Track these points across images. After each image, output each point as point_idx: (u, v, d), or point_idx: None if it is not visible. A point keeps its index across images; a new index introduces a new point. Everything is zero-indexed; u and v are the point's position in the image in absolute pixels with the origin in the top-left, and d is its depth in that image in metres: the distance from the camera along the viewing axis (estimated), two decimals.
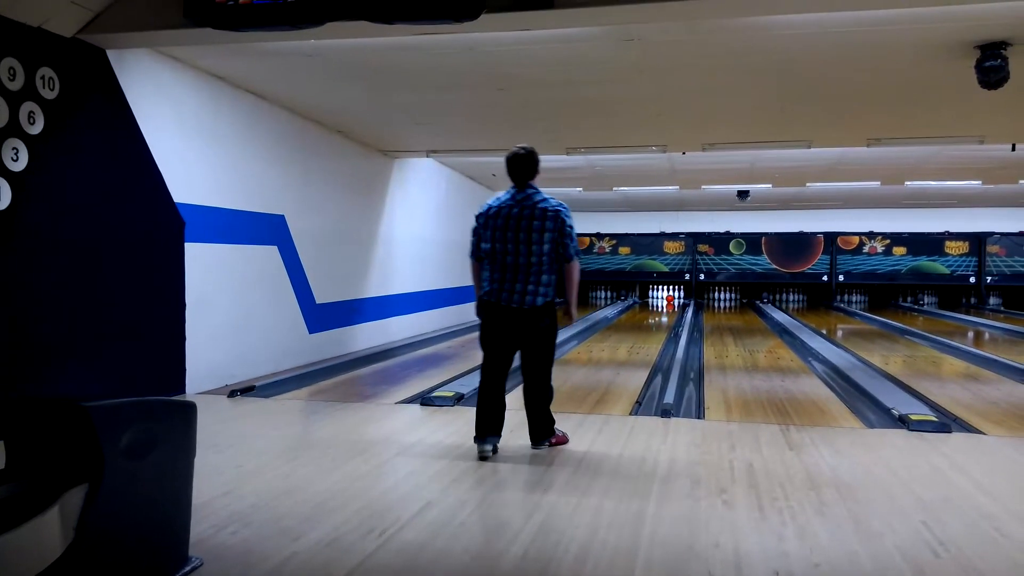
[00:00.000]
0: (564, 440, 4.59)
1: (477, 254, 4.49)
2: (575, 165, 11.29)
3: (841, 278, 19.12)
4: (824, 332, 12.42)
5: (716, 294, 20.37)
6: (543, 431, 4.51)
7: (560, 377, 7.81)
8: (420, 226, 11.37)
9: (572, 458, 4.30)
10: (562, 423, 5.05)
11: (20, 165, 4.51)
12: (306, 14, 4.30)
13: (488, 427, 4.34)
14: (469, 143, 9.67)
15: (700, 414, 5.69)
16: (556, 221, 4.28)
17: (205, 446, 2.75)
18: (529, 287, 4.25)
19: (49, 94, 4.70)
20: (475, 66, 5.91)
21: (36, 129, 4.61)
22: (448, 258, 12.29)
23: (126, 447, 2.33)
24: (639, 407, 5.92)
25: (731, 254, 19.67)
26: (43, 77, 4.65)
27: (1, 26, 4.36)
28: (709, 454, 4.41)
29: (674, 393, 6.31)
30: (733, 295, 20.29)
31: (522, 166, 4.46)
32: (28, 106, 4.55)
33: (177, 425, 2.61)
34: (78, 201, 4.97)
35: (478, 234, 4.47)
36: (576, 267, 4.37)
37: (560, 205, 4.35)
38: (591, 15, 4.35)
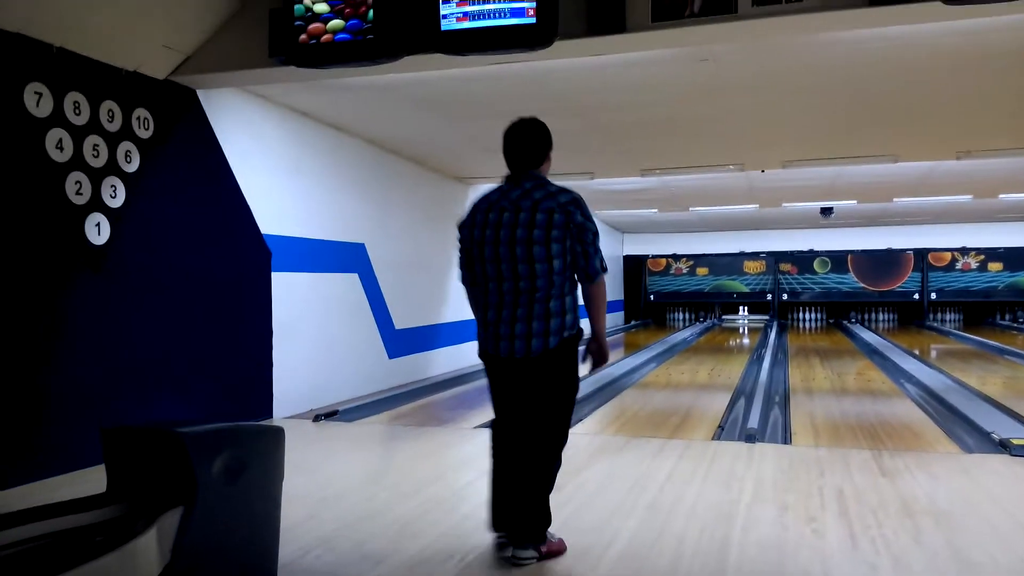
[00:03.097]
0: (560, 549, 3.15)
1: (466, 278, 3.23)
2: (650, 186, 11.21)
3: (933, 296, 18.33)
4: (916, 352, 11.90)
5: (801, 314, 19.80)
6: (532, 529, 3.03)
7: (639, 401, 7.72)
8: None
9: (654, 482, 4.23)
10: (641, 448, 4.99)
11: (118, 202, 4.77)
12: (383, 49, 4.43)
13: (505, 513, 3.09)
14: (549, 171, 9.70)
15: (787, 439, 5.52)
16: (566, 221, 2.92)
17: (291, 470, 2.83)
18: (534, 325, 2.90)
19: (144, 134, 4.97)
20: (546, 92, 5.96)
21: (132, 167, 4.87)
22: None
23: (218, 471, 2.41)
24: (722, 432, 5.78)
25: (816, 273, 19.13)
26: (138, 118, 4.92)
27: (100, 71, 4.64)
28: (797, 480, 4.27)
29: (758, 417, 6.15)
30: (819, 315, 19.68)
31: (520, 144, 3.10)
32: (125, 145, 4.82)
33: (266, 450, 2.69)
34: (171, 234, 5.21)
35: (463, 251, 3.20)
36: (602, 288, 3.00)
37: (571, 196, 2.98)
38: (664, 37, 4.33)
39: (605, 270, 3.04)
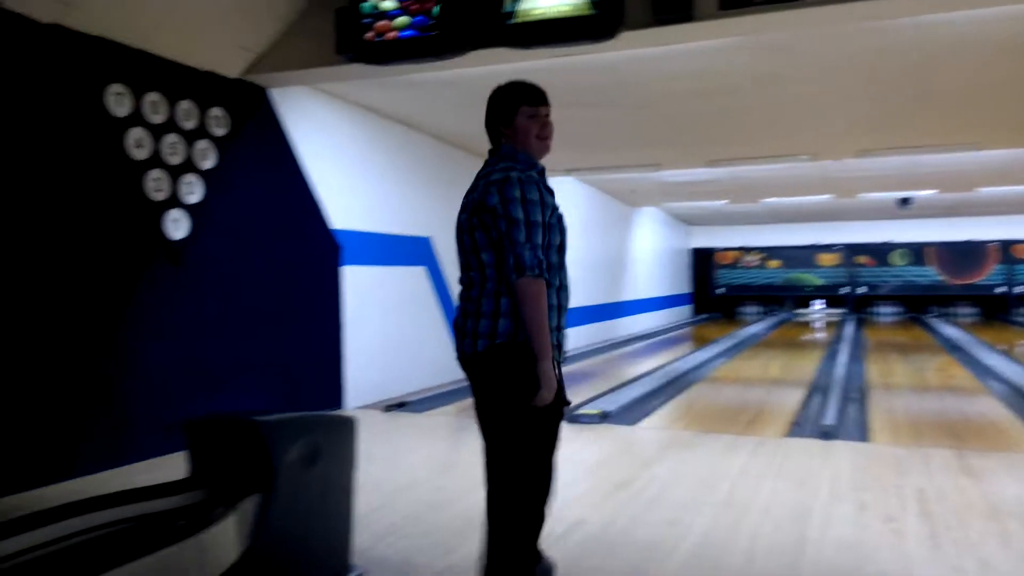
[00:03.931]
0: None
1: None
2: (718, 177, 11.00)
3: (1019, 289, 17.51)
4: (1002, 348, 11.39)
5: (878, 308, 19.16)
6: None
7: (708, 396, 7.60)
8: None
9: (725, 478, 4.15)
10: (712, 444, 4.91)
11: (196, 198, 4.92)
12: (449, 45, 4.45)
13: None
14: (608, 160, 9.64)
15: (864, 436, 5.35)
16: (490, 202, 2.40)
17: (363, 459, 2.87)
18: (468, 323, 2.48)
19: (219, 131, 5.11)
20: (612, 83, 5.90)
21: (208, 164, 5.02)
22: (589, 275, 12.27)
23: (294, 459, 2.47)
24: (796, 428, 5.64)
25: (893, 265, 18.49)
26: (214, 116, 5.06)
27: (177, 71, 4.79)
28: (875, 479, 4.13)
29: (835, 414, 5.97)
30: (897, 309, 19.02)
31: (488, 115, 2.65)
32: (201, 143, 4.97)
33: (339, 439, 2.73)
34: (245, 229, 5.35)
35: None
36: (530, 290, 2.31)
37: (501, 175, 2.42)
38: (732, 25, 4.23)
39: (538, 267, 2.30)
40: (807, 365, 9.61)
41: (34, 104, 4.00)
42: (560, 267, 2.50)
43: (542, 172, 2.55)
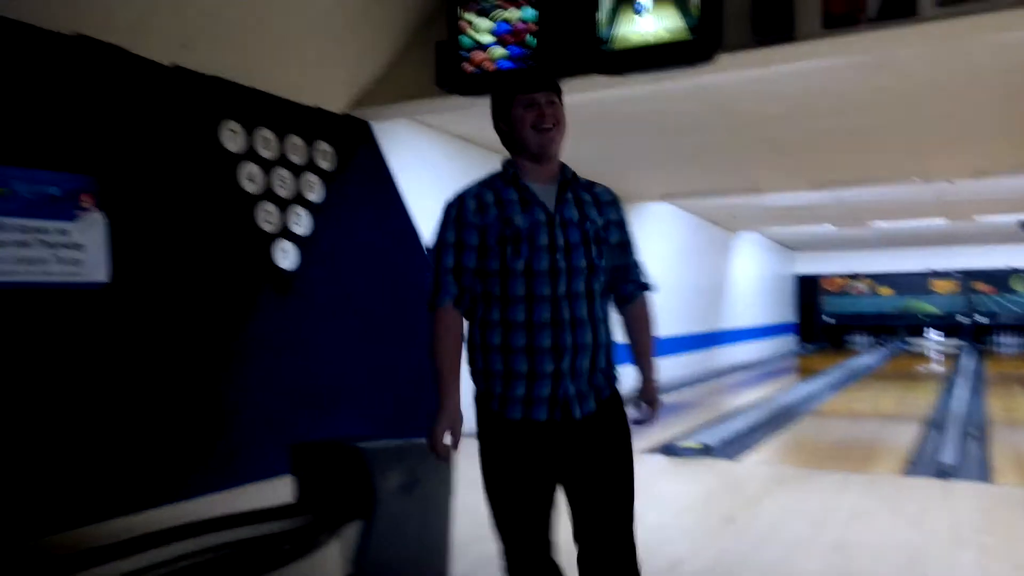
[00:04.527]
0: None
1: None
2: (823, 201, 10.62)
3: None
4: None
5: (999, 338, 17.98)
6: None
7: (817, 431, 7.29)
8: (659, 271, 11.25)
9: (836, 519, 3.95)
10: (821, 481, 4.70)
11: (304, 229, 5.11)
12: (545, 75, 4.48)
13: None
14: (707, 185, 9.47)
15: (986, 476, 5.00)
16: None
17: (461, 485, 2.87)
18: None
19: (326, 165, 5.30)
20: (709, 107, 5.80)
21: (315, 197, 5.21)
22: (689, 303, 12.03)
23: (395, 486, 2.50)
24: (912, 466, 5.32)
25: (1015, 292, 17.35)
26: (321, 150, 5.26)
27: (286, 108, 5.01)
28: (1000, 522, 3.85)
29: (954, 452, 5.61)
30: (1020, 339, 17.80)
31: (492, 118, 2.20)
32: (309, 177, 5.17)
33: (438, 465, 2.75)
34: (350, 259, 5.52)
35: None
36: (434, 325, 2.06)
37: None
38: (837, 45, 4.09)
39: (432, 298, 2.03)
40: (922, 399, 9.09)
41: (157, 140, 4.25)
42: (515, 296, 1.96)
43: (513, 176, 2.05)
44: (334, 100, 5.28)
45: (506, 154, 2.11)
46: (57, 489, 3.68)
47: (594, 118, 6.11)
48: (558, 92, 2.08)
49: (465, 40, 4.64)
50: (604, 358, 2.07)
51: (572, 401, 2.01)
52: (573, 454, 2.04)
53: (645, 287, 2.23)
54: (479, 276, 2.01)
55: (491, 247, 1.98)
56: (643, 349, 2.24)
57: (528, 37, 4.46)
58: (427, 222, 6.30)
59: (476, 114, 5.83)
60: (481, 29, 4.59)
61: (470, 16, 4.62)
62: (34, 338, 3.65)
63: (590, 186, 2.16)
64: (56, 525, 3.62)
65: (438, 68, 4.83)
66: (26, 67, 3.65)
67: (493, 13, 4.52)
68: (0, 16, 3.50)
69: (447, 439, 2.02)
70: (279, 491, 2.73)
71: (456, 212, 2.03)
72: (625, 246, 2.17)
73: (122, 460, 3.99)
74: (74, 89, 3.84)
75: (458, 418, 2.04)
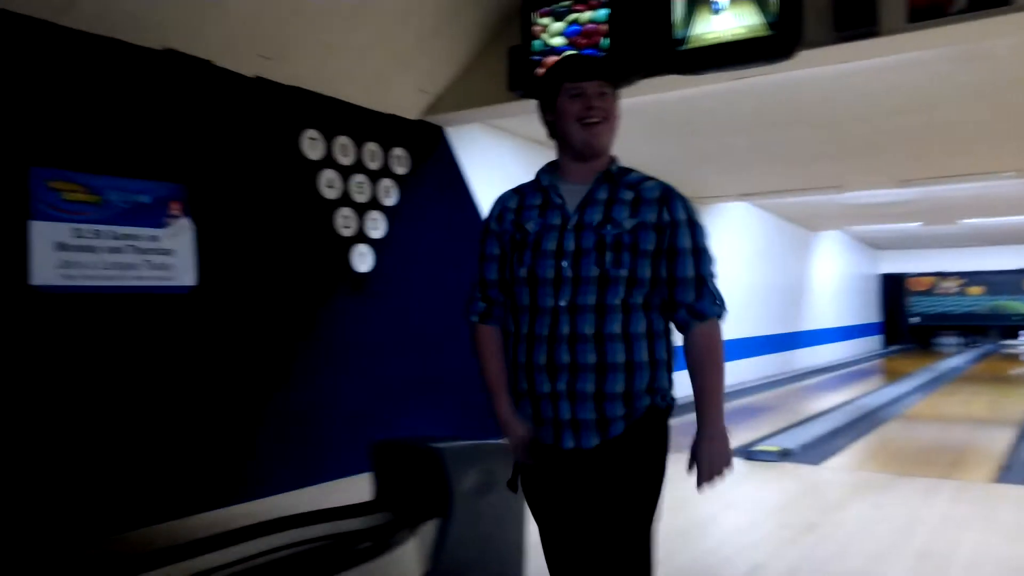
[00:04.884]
0: None
1: None
2: (910, 198, 10.23)
3: None
4: None
5: None
6: None
7: (903, 435, 7.03)
8: (737, 271, 11.06)
9: (924, 527, 3.80)
10: (908, 487, 4.54)
11: (380, 233, 5.21)
12: (618, 75, 4.45)
13: None
14: (785, 183, 9.24)
15: None
16: None
17: None
18: None
19: (401, 170, 5.40)
20: (789, 104, 5.67)
21: (391, 201, 5.31)
22: (768, 303, 11.77)
23: (470, 486, 2.53)
24: (1006, 473, 5.08)
25: None
26: (396, 156, 5.36)
27: (364, 116, 5.12)
28: None
29: None
30: None
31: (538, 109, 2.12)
32: (385, 182, 5.27)
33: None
34: (424, 261, 5.60)
35: None
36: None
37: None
38: (923, 39, 3.93)
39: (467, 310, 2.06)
40: (1017, 403, 8.65)
41: (241, 149, 4.41)
42: (522, 306, 1.80)
43: (537, 179, 1.90)
44: (409, 107, 5.38)
45: None
46: (146, 484, 3.86)
47: (668, 117, 6.05)
48: (614, 82, 1.83)
49: (537, 44, 4.65)
50: (624, 382, 1.73)
51: (564, 428, 1.75)
52: (563, 495, 1.78)
53: (700, 315, 1.78)
54: (503, 287, 1.86)
55: (508, 255, 1.84)
56: (698, 394, 1.80)
57: (601, 39, 4.44)
58: None
59: None
60: (553, 32, 4.60)
61: (544, 20, 4.63)
62: (127, 340, 3.83)
63: (639, 183, 1.82)
64: (142, 519, 3.79)
65: (510, 73, 4.86)
66: (119, 81, 3.84)
67: (566, 16, 4.52)
68: (94, 34, 3.69)
69: (520, 450, 1.86)
70: (358, 488, 2.80)
71: (485, 222, 1.93)
72: (674, 256, 1.76)
73: (208, 457, 4.15)
74: (163, 101, 4.02)
75: (516, 427, 1.85)
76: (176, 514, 3.91)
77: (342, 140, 4.97)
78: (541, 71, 4.65)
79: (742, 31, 4.06)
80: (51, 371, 3.53)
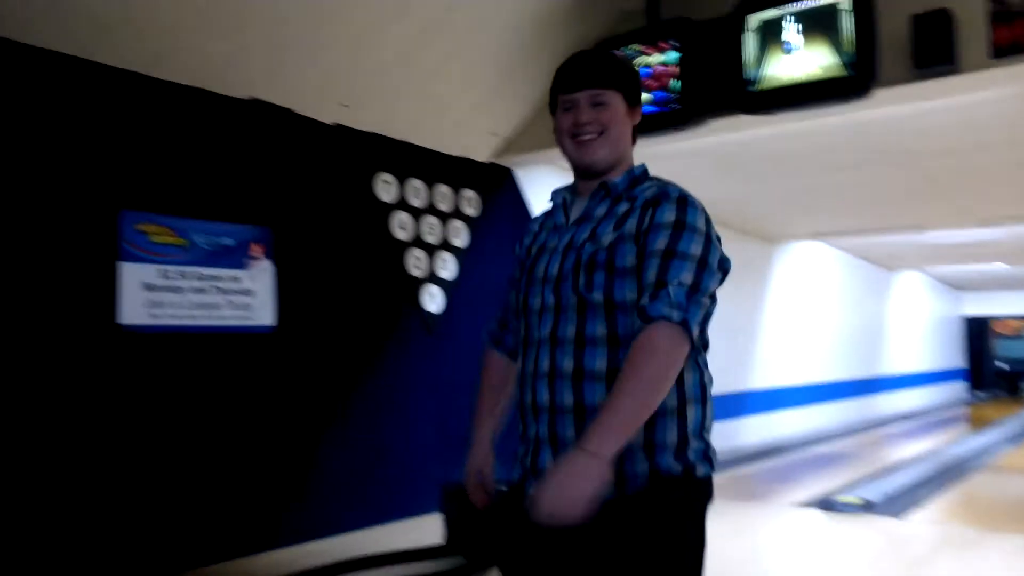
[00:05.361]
0: None
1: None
2: (994, 238, 9.85)
3: None
4: None
5: None
6: None
7: (991, 487, 6.66)
8: (810, 313, 10.77)
9: None
10: (999, 545, 4.29)
11: (450, 274, 5.28)
12: (689, 117, 4.45)
13: None
14: (862, 223, 9.01)
15: None
16: None
17: None
18: None
19: (471, 212, 5.48)
20: (864, 142, 5.55)
21: (461, 243, 5.38)
22: (843, 347, 11.40)
23: None
24: None
25: None
26: (466, 198, 5.45)
27: (435, 159, 5.23)
28: None
29: None
30: None
31: None
32: (455, 223, 5.35)
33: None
34: (493, 302, 5.63)
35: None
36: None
37: None
38: (1007, 76, 3.79)
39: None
40: None
41: (318, 193, 4.55)
42: (520, 339, 1.66)
43: (559, 200, 1.71)
44: (480, 150, 5.47)
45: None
46: (220, 520, 3.93)
47: (739, 157, 6.00)
48: (614, 86, 1.60)
49: None
50: None
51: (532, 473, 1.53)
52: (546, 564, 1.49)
53: (645, 316, 1.41)
54: (519, 316, 1.69)
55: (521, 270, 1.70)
56: (608, 400, 1.39)
57: (671, 81, 4.45)
58: None
59: None
60: None
61: None
62: (208, 378, 3.95)
63: (641, 190, 1.60)
64: (217, 555, 3.86)
65: None
66: (206, 129, 4.02)
67: (636, 60, 4.55)
68: (183, 85, 3.88)
69: (476, 486, 1.74)
70: (427, 529, 2.79)
71: (520, 244, 1.80)
72: (653, 258, 1.46)
73: (279, 494, 4.21)
74: (247, 148, 4.19)
75: (483, 462, 1.75)
76: (247, 551, 3.97)
77: (414, 183, 5.07)
78: None
79: (817, 71, 4.00)
80: (135, 407, 3.65)
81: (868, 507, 5.27)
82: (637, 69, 4.55)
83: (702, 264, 1.47)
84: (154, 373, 3.72)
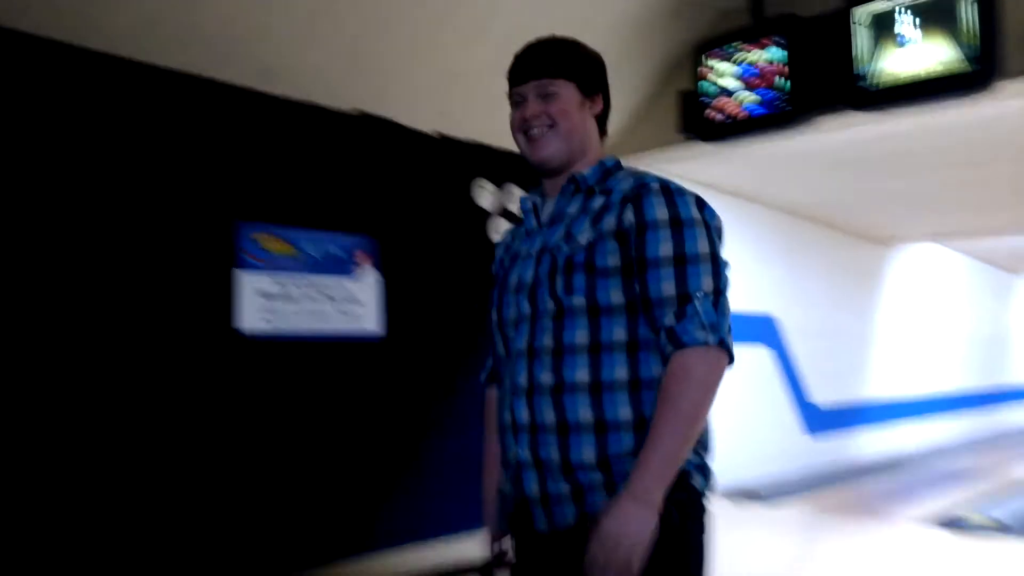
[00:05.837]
0: None
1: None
2: None
3: None
4: None
5: None
6: None
7: None
8: (928, 319, 10.21)
9: None
10: None
11: None
12: (797, 116, 4.30)
13: None
14: (983, 224, 8.49)
15: None
16: None
17: None
18: None
19: None
20: (985, 139, 5.22)
21: None
22: (965, 354, 10.76)
23: None
24: None
25: None
26: None
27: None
28: None
29: None
30: None
31: None
32: None
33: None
34: None
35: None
36: None
37: None
38: None
39: None
40: None
41: (421, 201, 4.63)
42: (501, 355, 1.58)
43: (528, 205, 1.62)
44: None
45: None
46: (320, 525, 4.04)
47: (849, 156, 5.76)
48: (563, 75, 1.49)
49: (708, 87, 4.59)
50: (597, 449, 1.33)
51: (534, 506, 1.39)
52: None
53: (677, 342, 1.31)
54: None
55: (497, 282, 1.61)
56: (648, 439, 1.29)
57: (778, 79, 4.31)
58: None
59: (718, 159, 5.74)
60: (725, 74, 4.52)
61: (712, 62, 4.56)
62: (318, 384, 4.07)
63: (615, 182, 1.49)
64: (324, 557, 3.95)
65: (682, 117, 4.82)
66: (315, 142, 4.16)
67: (736, 56, 4.44)
68: (292, 100, 4.03)
69: (492, 542, 1.61)
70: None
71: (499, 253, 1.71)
72: (644, 269, 1.34)
73: (383, 499, 4.29)
74: (353, 159, 4.32)
75: (488, 511, 1.65)
76: (350, 554, 4.04)
77: (512, 189, 5.10)
78: (714, 115, 4.57)
79: (936, 67, 3.80)
80: (251, 411, 3.80)
81: (1002, 529, 4.92)
82: (738, 66, 4.43)
83: (715, 261, 1.36)
84: (270, 378, 3.87)
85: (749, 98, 4.41)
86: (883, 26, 3.96)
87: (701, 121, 4.65)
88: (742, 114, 4.44)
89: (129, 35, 3.42)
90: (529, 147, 1.54)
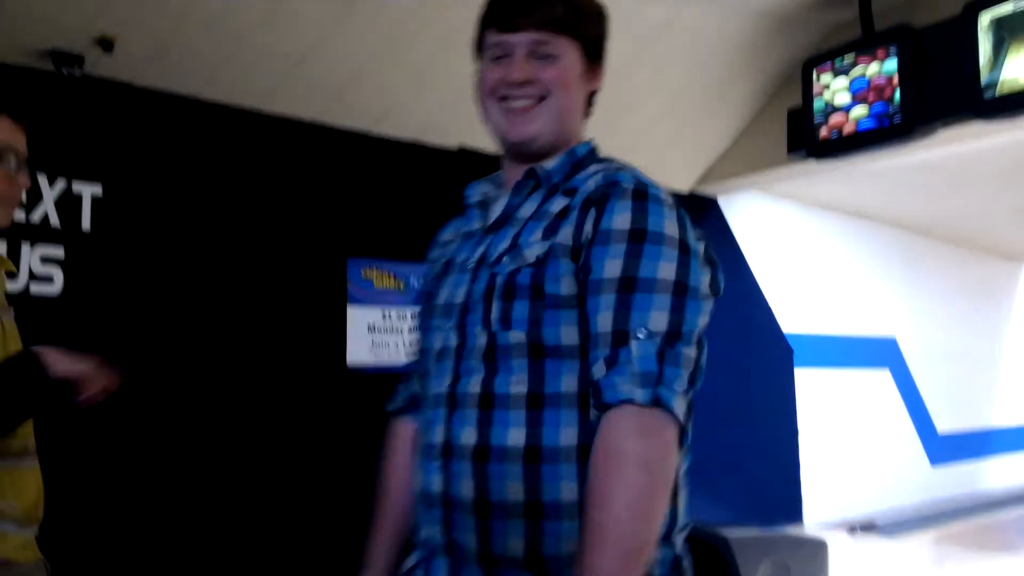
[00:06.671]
0: None
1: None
2: None
3: None
4: None
5: None
6: None
7: None
8: None
9: None
10: None
11: None
12: (913, 129, 4.10)
13: None
14: None
15: None
16: None
17: None
18: None
19: None
20: None
21: None
22: None
23: None
24: None
25: None
26: None
27: None
28: None
29: None
30: None
31: None
32: None
33: (809, 563, 2.55)
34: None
35: None
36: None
37: None
38: None
39: None
40: None
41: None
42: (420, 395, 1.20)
43: (474, 199, 1.24)
44: (681, 179, 5.37)
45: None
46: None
47: (977, 168, 5.45)
48: (570, 31, 1.09)
49: (820, 104, 4.43)
50: (524, 541, 0.96)
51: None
52: None
53: (600, 400, 0.94)
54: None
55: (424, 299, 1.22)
56: (580, 547, 0.90)
57: (889, 91, 4.12)
58: (779, 294, 6.05)
59: (831, 178, 5.54)
60: (838, 89, 4.36)
61: (826, 78, 4.41)
62: None
63: (582, 179, 1.12)
64: None
65: (790, 135, 4.67)
66: (419, 178, 4.26)
67: (847, 70, 4.28)
68: (401, 141, 4.14)
69: None
70: None
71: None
72: (603, 292, 0.97)
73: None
74: (454, 192, 4.39)
75: None
76: None
77: None
78: (826, 133, 4.41)
79: None
80: (356, 445, 3.89)
81: None
82: (850, 80, 4.26)
83: (679, 291, 0.97)
84: (374, 410, 3.95)
85: (860, 112, 4.23)
86: (1010, 30, 3.73)
87: (811, 138, 4.49)
88: (852, 129, 4.27)
89: (254, 88, 3.64)
90: (506, 120, 1.11)
